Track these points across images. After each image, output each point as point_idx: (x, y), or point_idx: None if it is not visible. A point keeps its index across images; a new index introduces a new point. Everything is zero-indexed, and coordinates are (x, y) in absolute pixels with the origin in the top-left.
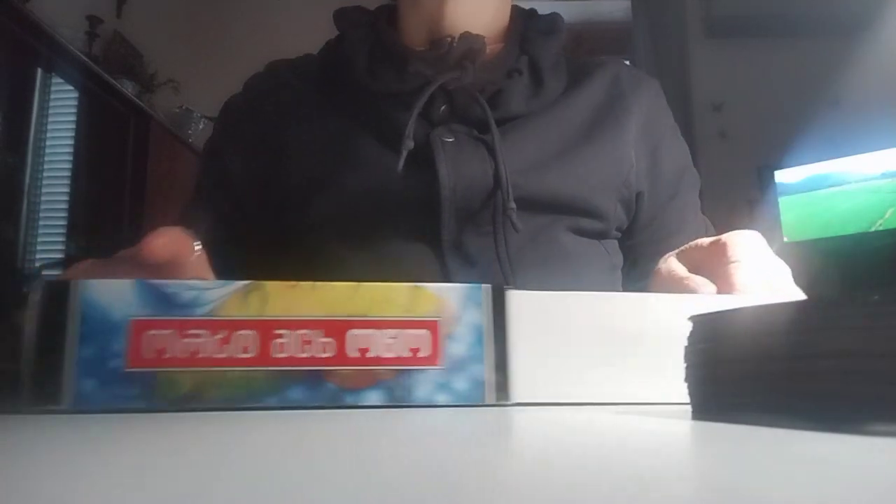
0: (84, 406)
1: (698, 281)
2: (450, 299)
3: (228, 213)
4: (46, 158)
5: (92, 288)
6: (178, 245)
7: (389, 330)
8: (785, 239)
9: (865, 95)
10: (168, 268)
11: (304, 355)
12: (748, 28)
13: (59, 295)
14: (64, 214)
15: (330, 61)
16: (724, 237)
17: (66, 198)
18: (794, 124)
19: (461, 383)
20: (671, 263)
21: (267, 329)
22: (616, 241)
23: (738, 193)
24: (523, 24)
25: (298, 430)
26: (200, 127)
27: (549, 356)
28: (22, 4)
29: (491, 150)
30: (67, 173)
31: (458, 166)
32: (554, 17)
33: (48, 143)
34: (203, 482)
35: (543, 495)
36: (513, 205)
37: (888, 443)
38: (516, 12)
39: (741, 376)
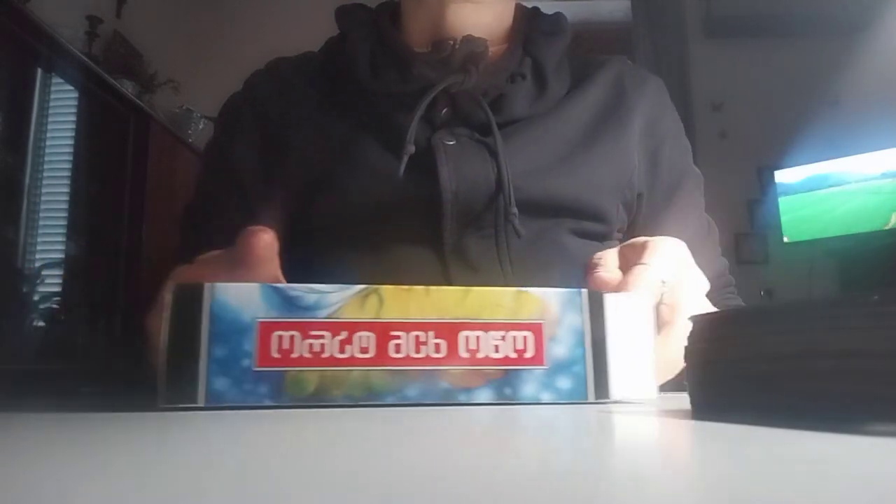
0: (217, 404)
1: (602, 270)
2: (551, 303)
3: (237, 214)
4: (46, 158)
5: (222, 291)
6: (273, 243)
7: (497, 332)
8: (785, 239)
9: (865, 95)
10: (261, 266)
11: (419, 355)
12: (748, 28)
13: (191, 298)
14: (64, 214)
15: (332, 60)
16: (650, 240)
17: (66, 198)
18: (794, 124)
19: (564, 382)
20: (606, 253)
21: (384, 331)
22: (617, 242)
23: (738, 193)
24: (527, 24)
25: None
26: (200, 127)
27: (644, 355)
28: (22, 4)
29: (493, 153)
30: (67, 173)
31: (460, 169)
32: (558, 18)
33: (48, 143)
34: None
35: (543, 495)
36: (514, 210)
37: (888, 443)
38: (520, 12)
39: (741, 376)
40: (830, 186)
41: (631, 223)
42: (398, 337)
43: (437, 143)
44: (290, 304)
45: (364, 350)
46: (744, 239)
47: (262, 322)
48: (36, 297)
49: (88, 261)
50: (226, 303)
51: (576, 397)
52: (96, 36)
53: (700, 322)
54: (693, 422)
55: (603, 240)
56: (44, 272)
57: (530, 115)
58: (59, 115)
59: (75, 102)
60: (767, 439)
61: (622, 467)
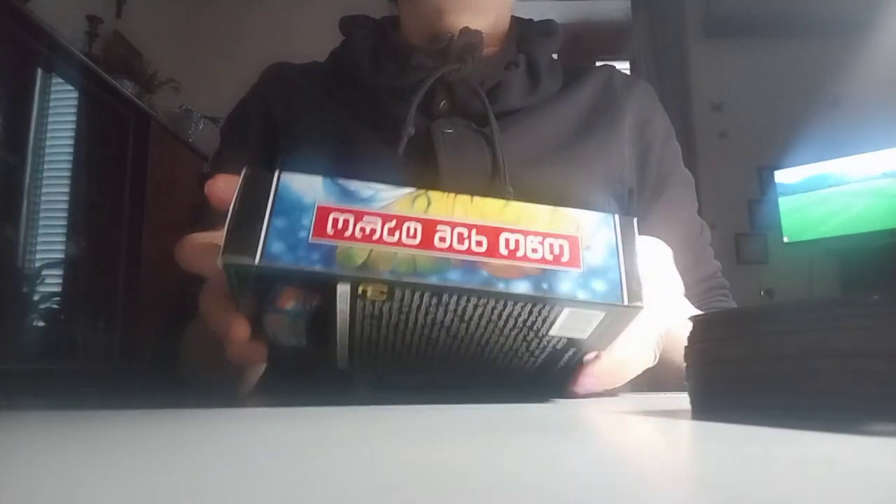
0: (271, 263)
1: None
2: (586, 221)
3: None
4: (46, 158)
5: (288, 178)
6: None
7: (535, 237)
8: (785, 239)
9: (865, 95)
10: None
11: (462, 248)
12: (748, 28)
13: (260, 180)
14: (64, 214)
15: (335, 63)
16: None
17: (66, 198)
18: (794, 124)
19: (600, 285)
20: None
21: (430, 225)
22: None
23: (738, 193)
24: (521, 29)
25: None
26: (200, 127)
27: None
28: (22, 4)
29: (490, 142)
30: (67, 173)
31: (458, 156)
32: (550, 23)
33: (48, 143)
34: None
35: (543, 494)
36: (510, 188)
37: (888, 443)
38: (514, 20)
39: (741, 376)
40: (830, 186)
41: None
42: (443, 231)
43: (436, 131)
44: (347, 195)
45: (411, 237)
46: (744, 239)
47: (320, 206)
48: (36, 297)
49: (88, 261)
50: (290, 187)
51: (611, 299)
52: (96, 36)
53: (700, 322)
54: (693, 422)
55: None
56: (44, 272)
57: (525, 106)
58: (59, 115)
59: (75, 102)
60: (767, 439)
61: (622, 467)
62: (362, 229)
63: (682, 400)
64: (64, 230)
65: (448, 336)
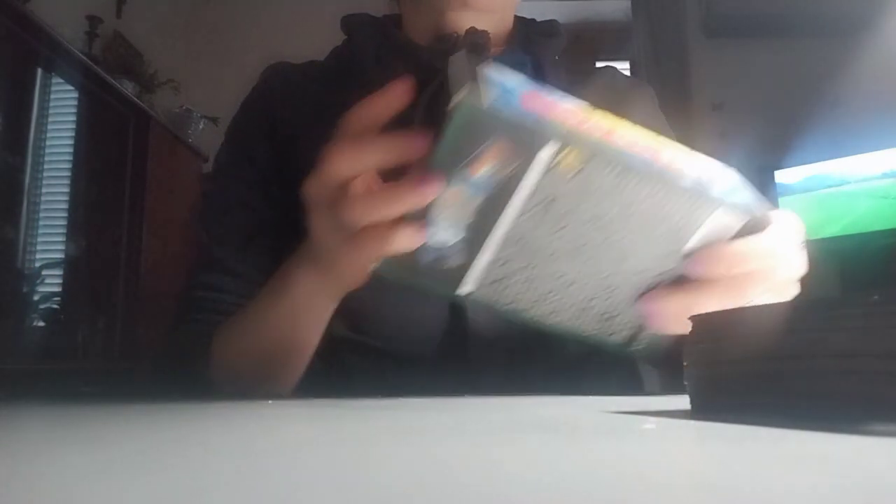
0: (498, 110)
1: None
2: (712, 160)
3: (255, 207)
4: (46, 158)
5: (494, 66)
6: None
7: (686, 157)
8: None
9: (865, 95)
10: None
11: (635, 148)
12: (748, 28)
13: (468, 63)
14: (64, 214)
15: (338, 62)
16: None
17: (66, 198)
18: (794, 124)
19: (739, 197)
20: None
21: (608, 130)
22: None
23: None
24: (524, 29)
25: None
26: (200, 127)
27: None
28: (22, 4)
29: None
30: (67, 173)
31: None
32: (553, 23)
33: (48, 143)
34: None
35: (542, 495)
36: None
37: (888, 443)
38: (516, 20)
39: (741, 376)
40: (830, 187)
41: None
42: (619, 134)
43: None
44: (541, 91)
45: (592, 131)
46: None
47: (524, 91)
48: (36, 297)
49: (88, 261)
50: (499, 72)
51: (750, 209)
52: (96, 36)
53: (700, 322)
54: (693, 422)
55: None
56: (44, 272)
57: None
58: (59, 115)
59: (75, 102)
60: (767, 439)
61: (623, 467)
62: (558, 113)
63: (682, 400)
64: (64, 230)
65: (598, 237)
